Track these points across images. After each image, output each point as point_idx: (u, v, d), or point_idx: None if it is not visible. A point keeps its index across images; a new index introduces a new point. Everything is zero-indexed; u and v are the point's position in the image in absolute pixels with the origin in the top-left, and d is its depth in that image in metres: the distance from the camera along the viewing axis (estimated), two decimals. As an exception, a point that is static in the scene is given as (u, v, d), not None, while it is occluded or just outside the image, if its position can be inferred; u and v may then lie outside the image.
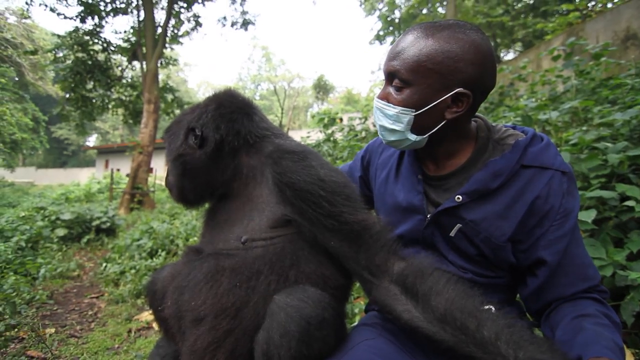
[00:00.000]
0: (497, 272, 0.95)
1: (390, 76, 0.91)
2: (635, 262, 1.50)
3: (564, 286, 0.86)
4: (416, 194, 1.00)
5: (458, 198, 0.91)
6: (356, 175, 1.26)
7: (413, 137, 0.92)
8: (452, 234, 0.94)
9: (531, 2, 13.68)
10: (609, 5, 8.16)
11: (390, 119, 0.91)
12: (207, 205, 1.16)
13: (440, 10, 15.56)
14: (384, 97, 0.93)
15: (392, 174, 1.09)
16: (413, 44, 0.87)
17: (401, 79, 0.88)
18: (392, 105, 0.91)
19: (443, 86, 0.85)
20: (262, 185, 0.98)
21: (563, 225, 0.87)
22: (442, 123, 0.90)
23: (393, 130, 0.92)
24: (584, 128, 2.29)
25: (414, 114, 0.88)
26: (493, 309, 0.78)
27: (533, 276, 0.90)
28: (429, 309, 0.78)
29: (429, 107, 0.87)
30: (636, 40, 5.46)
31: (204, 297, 0.89)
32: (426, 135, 0.92)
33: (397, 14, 16.79)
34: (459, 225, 0.93)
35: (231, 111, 1.06)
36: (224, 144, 1.03)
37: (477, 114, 1.00)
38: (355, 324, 1.05)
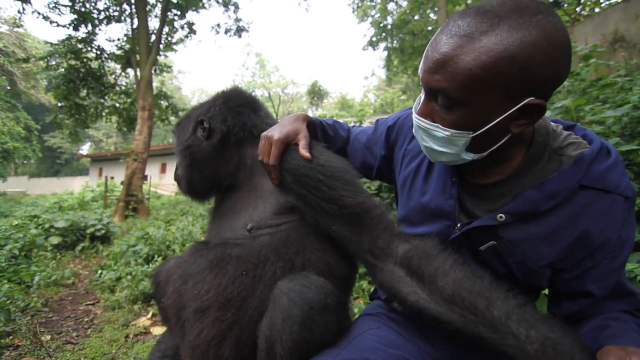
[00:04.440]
0: (520, 290, 0.79)
1: (433, 92, 0.72)
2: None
3: (602, 310, 0.80)
4: (448, 197, 0.87)
5: (500, 217, 0.78)
6: (377, 152, 1.10)
7: (470, 156, 0.77)
8: (483, 248, 0.83)
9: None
10: (597, 10, 8.34)
11: (440, 142, 0.76)
12: (213, 200, 1.19)
13: (432, 16, 15.77)
14: (427, 114, 0.76)
15: (423, 167, 0.95)
16: (461, 48, 0.65)
17: (451, 98, 0.69)
18: (441, 127, 0.74)
19: (508, 98, 0.67)
20: (266, 175, 1.00)
21: (617, 258, 0.77)
22: (507, 137, 0.74)
23: (443, 153, 0.78)
24: (577, 126, 2.33)
25: (471, 135, 0.73)
26: None
27: (571, 301, 0.81)
28: (435, 290, 0.76)
29: (490, 125, 0.70)
30: (624, 42, 5.58)
31: (208, 286, 0.89)
32: (486, 152, 0.77)
33: (389, 19, 16.98)
34: (492, 242, 0.81)
35: (238, 105, 1.11)
36: (229, 136, 1.08)
37: None
38: (357, 316, 1.05)
